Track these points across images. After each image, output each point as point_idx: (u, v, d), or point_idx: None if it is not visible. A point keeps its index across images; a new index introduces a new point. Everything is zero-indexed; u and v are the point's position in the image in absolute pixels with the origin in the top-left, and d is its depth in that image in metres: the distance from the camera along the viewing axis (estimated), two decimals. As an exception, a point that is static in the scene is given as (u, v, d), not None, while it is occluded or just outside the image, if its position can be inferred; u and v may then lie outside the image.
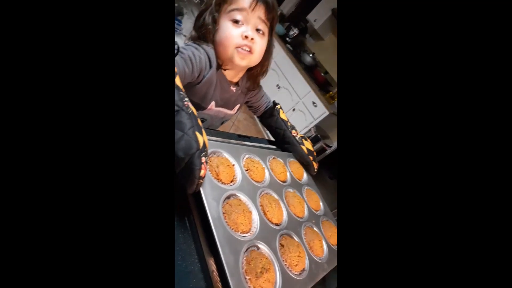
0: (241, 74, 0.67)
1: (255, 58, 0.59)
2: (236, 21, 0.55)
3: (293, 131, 0.72)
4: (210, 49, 0.57)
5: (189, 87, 0.59)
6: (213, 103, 0.65)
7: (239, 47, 0.56)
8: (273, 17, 0.58)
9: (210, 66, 0.57)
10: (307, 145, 0.72)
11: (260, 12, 0.55)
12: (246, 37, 0.55)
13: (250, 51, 0.57)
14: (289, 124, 0.73)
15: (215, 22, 0.57)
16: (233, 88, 0.66)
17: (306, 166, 0.70)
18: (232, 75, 0.64)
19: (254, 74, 0.67)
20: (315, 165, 0.71)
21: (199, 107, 0.64)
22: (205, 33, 0.57)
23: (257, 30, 0.57)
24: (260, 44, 0.58)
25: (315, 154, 0.73)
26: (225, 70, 0.62)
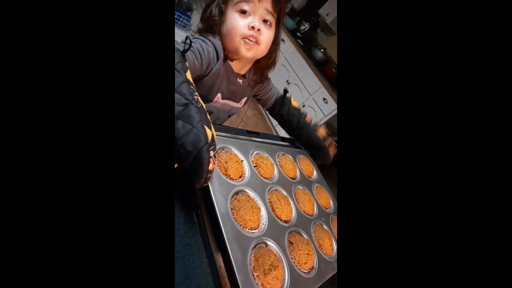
0: (248, 67, 0.66)
1: (261, 50, 0.58)
2: (243, 12, 0.55)
3: (307, 117, 0.71)
4: (217, 41, 0.56)
5: (196, 79, 0.58)
6: (219, 95, 0.64)
7: (246, 38, 0.55)
8: (280, 8, 0.57)
9: (218, 58, 0.57)
10: (322, 131, 0.70)
11: (267, 3, 0.55)
12: (252, 27, 0.54)
13: (256, 42, 0.56)
14: (301, 111, 0.72)
15: (222, 13, 0.56)
16: (240, 80, 0.66)
17: (321, 154, 0.69)
18: (239, 67, 0.64)
19: (261, 66, 0.66)
20: (332, 151, 0.69)
21: (205, 99, 0.64)
22: (212, 25, 0.57)
23: (264, 21, 0.56)
24: (267, 36, 0.57)
25: (330, 140, 0.71)
26: (232, 61, 0.61)
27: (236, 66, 0.63)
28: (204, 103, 0.61)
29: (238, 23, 0.54)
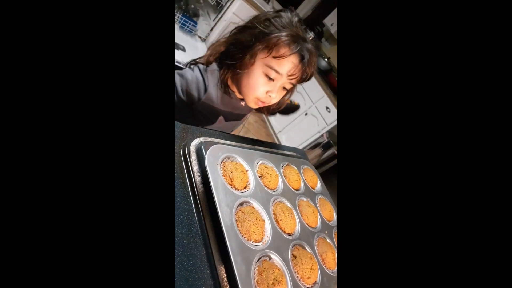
0: None
1: (267, 105, 0.61)
2: (268, 76, 0.54)
3: None
4: (211, 79, 0.60)
5: (194, 102, 0.62)
6: (221, 118, 0.67)
7: (259, 99, 0.57)
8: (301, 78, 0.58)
9: (205, 90, 0.60)
10: None
11: (294, 80, 0.56)
12: (269, 96, 0.56)
13: (264, 102, 0.59)
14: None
15: (251, 65, 0.55)
16: (243, 103, 0.68)
17: None
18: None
19: (267, 107, 0.69)
20: None
21: (208, 121, 0.66)
22: (233, 65, 0.57)
23: (283, 88, 0.58)
24: (278, 97, 0.59)
25: None
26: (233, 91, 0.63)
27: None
28: (207, 125, 0.65)
29: (259, 86, 0.55)
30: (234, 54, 0.56)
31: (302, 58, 0.53)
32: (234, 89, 0.62)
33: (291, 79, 0.55)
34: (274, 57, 0.52)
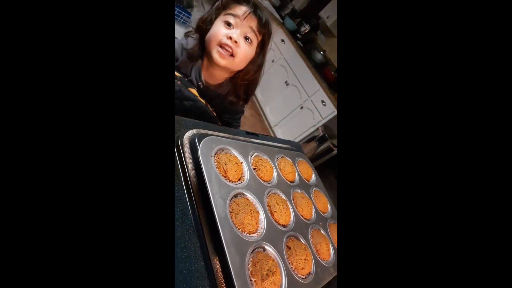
0: (221, 78, 0.69)
1: (235, 62, 0.62)
2: (228, 24, 0.60)
3: None
4: (189, 41, 0.67)
5: None
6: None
7: (221, 46, 0.60)
8: (264, 33, 0.63)
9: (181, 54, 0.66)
10: None
11: (252, 23, 0.60)
12: (230, 38, 0.59)
13: (232, 55, 0.60)
14: None
15: (211, 23, 0.62)
16: (200, 84, 0.68)
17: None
18: (209, 74, 0.67)
19: (237, 79, 0.68)
20: None
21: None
22: (199, 28, 0.66)
23: (246, 38, 0.61)
24: (244, 50, 0.61)
25: None
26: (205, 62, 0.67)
27: (206, 73, 0.67)
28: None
29: (219, 31, 0.60)
30: (205, 26, 0.65)
31: (254, 10, 0.60)
32: (201, 66, 0.68)
33: (248, 22, 0.60)
34: (229, 12, 0.61)
